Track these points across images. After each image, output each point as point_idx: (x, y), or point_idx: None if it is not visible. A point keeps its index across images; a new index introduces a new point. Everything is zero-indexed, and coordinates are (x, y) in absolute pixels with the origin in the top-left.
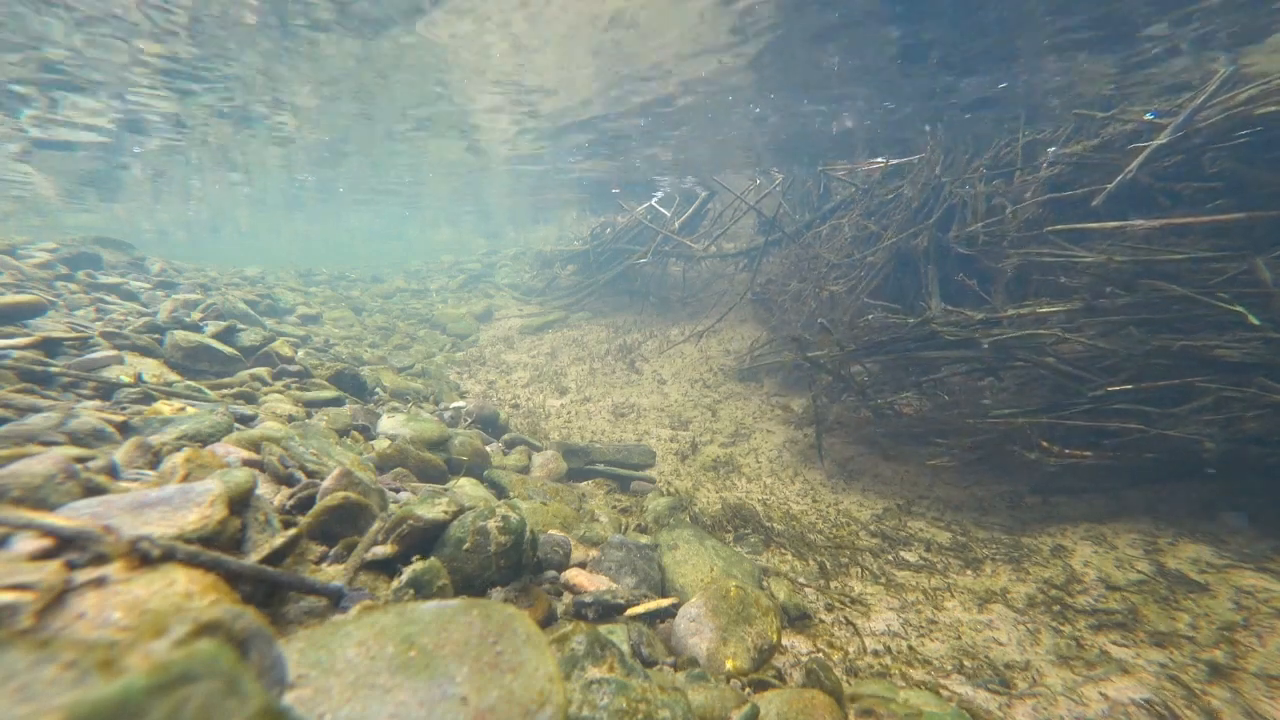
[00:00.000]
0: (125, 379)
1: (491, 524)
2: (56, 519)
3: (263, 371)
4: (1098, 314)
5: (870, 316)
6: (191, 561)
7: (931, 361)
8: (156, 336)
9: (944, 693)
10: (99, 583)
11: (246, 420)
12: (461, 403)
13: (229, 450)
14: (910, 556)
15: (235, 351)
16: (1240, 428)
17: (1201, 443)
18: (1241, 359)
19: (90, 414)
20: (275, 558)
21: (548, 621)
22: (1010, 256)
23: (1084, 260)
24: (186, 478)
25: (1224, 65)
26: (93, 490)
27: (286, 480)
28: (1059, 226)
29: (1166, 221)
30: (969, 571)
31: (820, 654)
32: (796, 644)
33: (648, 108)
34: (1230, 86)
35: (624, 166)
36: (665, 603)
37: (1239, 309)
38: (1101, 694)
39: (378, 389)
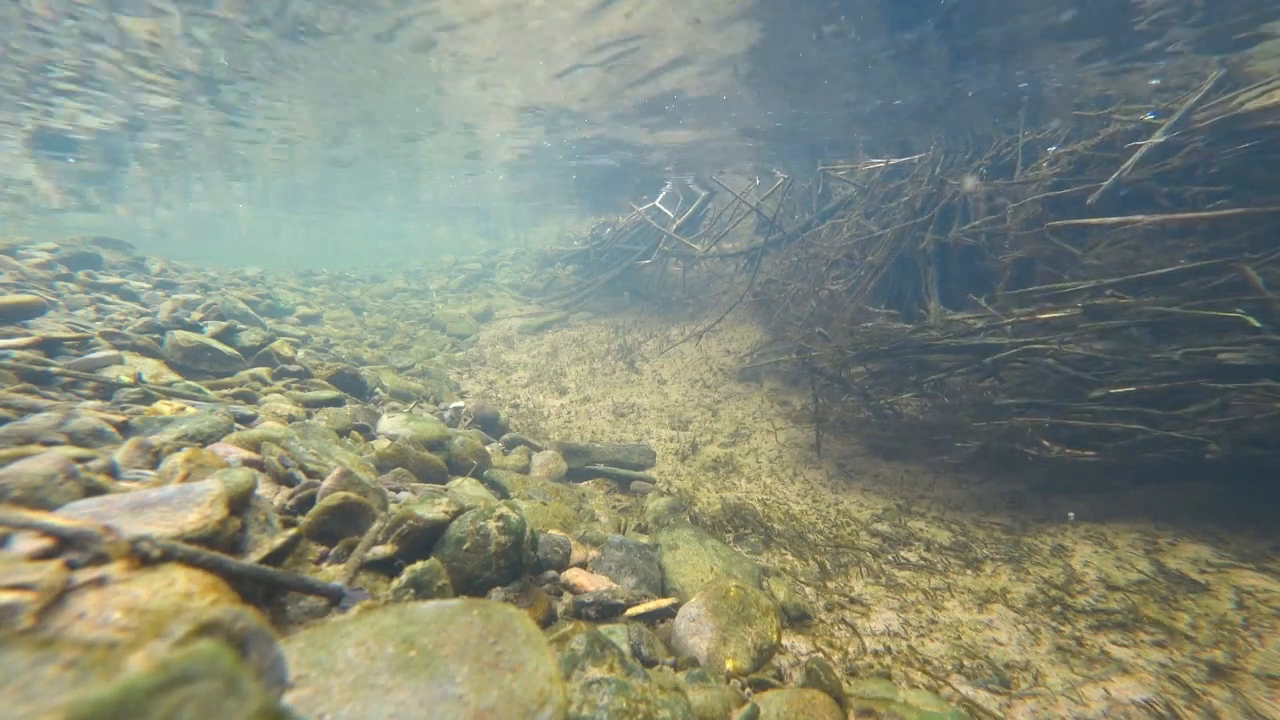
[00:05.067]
0: (125, 379)
1: (491, 524)
2: (56, 519)
3: (263, 371)
4: (1098, 318)
5: (870, 325)
6: (191, 562)
7: (932, 363)
8: (156, 336)
9: (944, 692)
10: (99, 583)
11: (246, 420)
12: (461, 403)
13: (229, 450)
14: (910, 556)
15: (235, 351)
16: (1245, 430)
17: (1206, 445)
18: (1246, 361)
19: (90, 414)
20: (275, 558)
21: (548, 621)
22: (1011, 253)
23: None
24: (186, 478)
25: (1216, 67)
26: (93, 490)
27: (287, 480)
28: (1059, 222)
29: (1167, 217)
30: (969, 571)
31: (820, 654)
32: (796, 644)
33: (649, 107)
34: (1230, 88)
35: (626, 166)
36: (665, 603)
37: (1239, 312)
38: (1102, 694)
39: (378, 389)
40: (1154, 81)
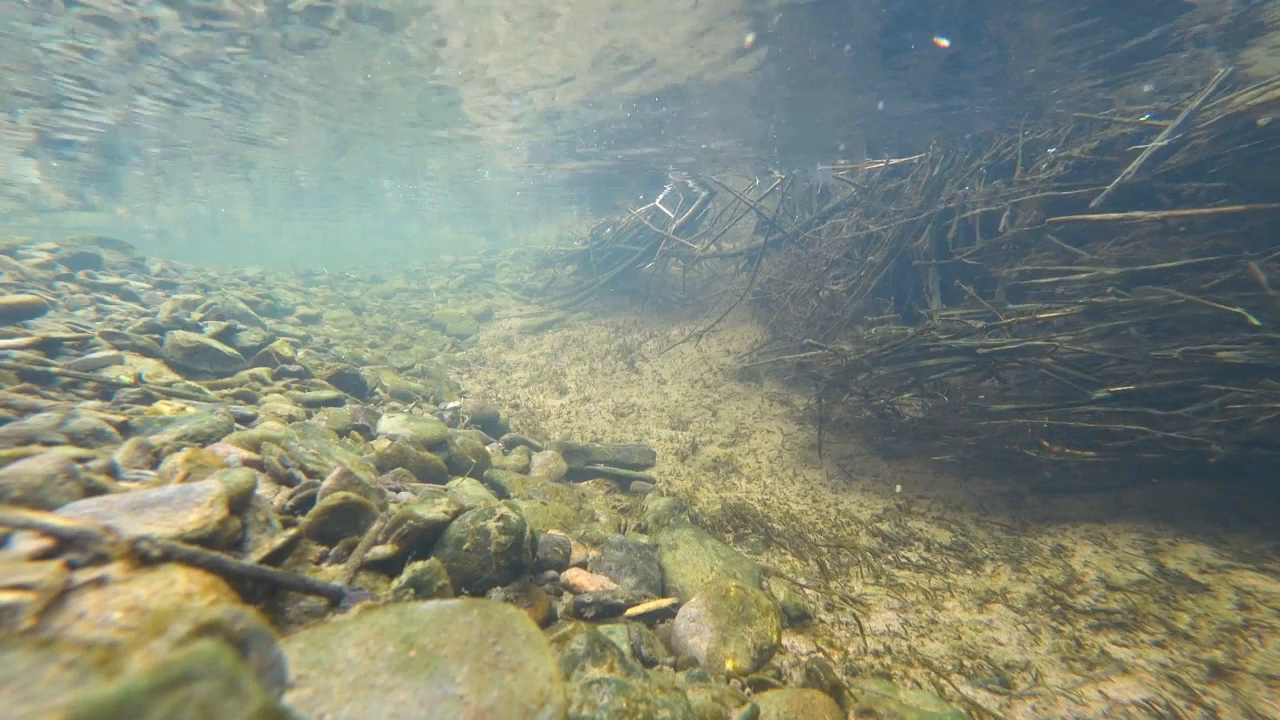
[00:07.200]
0: (125, 379)
1: (491, 524)
2: (56, 519)
3: (263, 371)
4: (1098, 317)
5: (872, 330)
6: (191, 562)
7: (933, 365)
8: (156, 336)
9: (945, 691)
10: (99, 583)
11: (246, 420)
12: (460, 403)
13: (229, 450)
14: (910, 556)
15: (235, 351)
16: (1247, 430)
17: (1208, 446)
18: (1246, 360)
19: (90, 414)
20: (275, 558)
21: (548, 621)
22: (1010, 264)
23: (1078, 276)
24: (187, 478)
25: (1221, 66)
26: (93, 490)
27: (287, 480)
28: (1060, 218)
29: (1169, 214)
30: (969, 571)
31: (820, 654)
32: (796, 644)
33: (650, 105)
34: (1230, 89)
35: (626, 165)
36: (665, 603)
37: (1239, 311)
38: (1101, 694)
39: (378, 389)
40: (1147, 88)
